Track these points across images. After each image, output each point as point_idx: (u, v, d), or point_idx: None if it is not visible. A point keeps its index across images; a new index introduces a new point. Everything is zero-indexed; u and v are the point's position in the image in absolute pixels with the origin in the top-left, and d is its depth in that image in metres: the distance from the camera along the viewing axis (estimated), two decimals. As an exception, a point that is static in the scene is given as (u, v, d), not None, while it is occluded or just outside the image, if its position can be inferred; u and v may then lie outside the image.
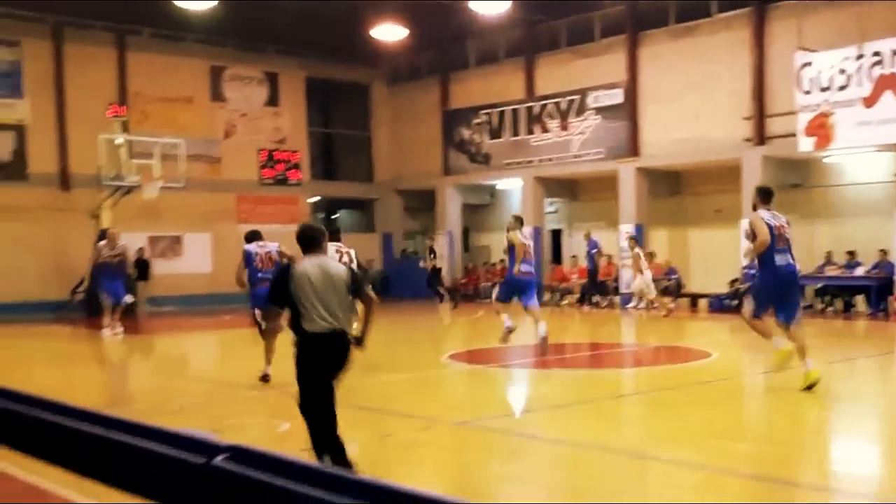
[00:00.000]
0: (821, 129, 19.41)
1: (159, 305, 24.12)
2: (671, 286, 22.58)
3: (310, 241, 6.16)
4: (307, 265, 6.01)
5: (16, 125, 24.15)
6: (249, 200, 27.60)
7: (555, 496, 5.93)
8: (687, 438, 7.63)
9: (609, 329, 18.75)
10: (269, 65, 28.79)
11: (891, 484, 6.28)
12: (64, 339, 18.83)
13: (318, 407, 6.01)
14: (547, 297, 25.88)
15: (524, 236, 13.71)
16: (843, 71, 18.99)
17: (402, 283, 28.68)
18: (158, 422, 2.27)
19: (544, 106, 26.11)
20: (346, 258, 12.10)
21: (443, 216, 28.95)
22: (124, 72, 25.90)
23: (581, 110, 25.13)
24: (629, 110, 24.09)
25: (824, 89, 19.27)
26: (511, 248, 13.62)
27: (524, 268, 13.45)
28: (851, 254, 20.23)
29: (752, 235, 9.73)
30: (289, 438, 6.87)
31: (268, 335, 10.54)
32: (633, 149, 24.03)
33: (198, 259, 26.12)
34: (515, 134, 26.89)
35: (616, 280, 24.00)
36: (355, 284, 6.07)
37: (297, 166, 29.24)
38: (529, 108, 26.50)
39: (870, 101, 18.64)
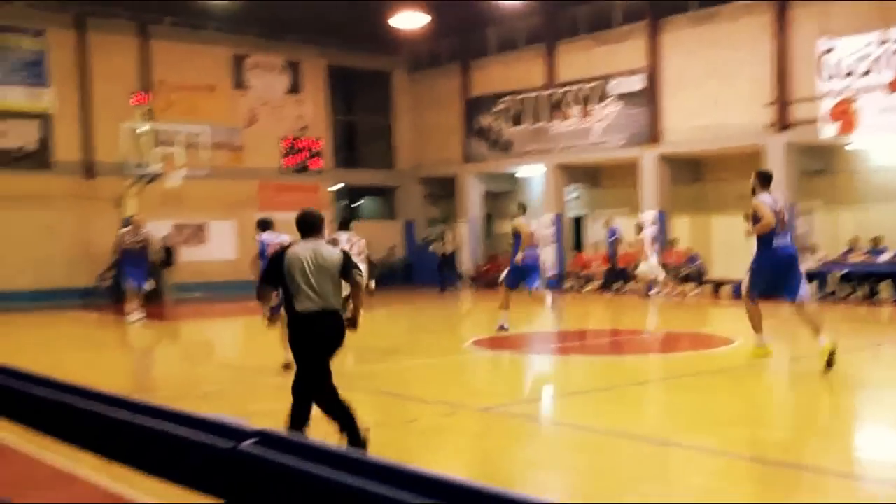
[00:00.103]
0: (844, 115, 19.27)
1: (184, 292, 24.32)
2: (693, 273, 22.52)
3: (308, 226, 6.45)
4: (301, 248, 6.30)
5: (41, 114, 24.36)
6: (272, 188, 27.71)
7: (579, 482, 5.96)
8: (709, 425, 7.65)
9: (631, 316, 18.74)
10: (290, 53, 28.86)
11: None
12: (90, 325, 19.06)
13: (309, 385, 6.26)
14: (569, 284, 25.90)
15: (529, 222, 13.81)
16: (865, 57, 18.83)
17: (424, 269, 28.75)
18: (185, 407, 2.32)
19: (565, 93, 26.04)
20: (355, 249, 12.30)
21: (464, 203, 28.97)
22: (148, 60, 26.06)
23: (602, 97, 25.05)
24: (650, 97, 23.98)
25: (847, 75, 19.12)
26: (517, 235, 13.70)
27: (529, 252, 13.61)
28: (876, 240, 20.08)
29: (754, 218, 9.95)
30: (313, 424, 6.90)
31: (273, 323, 10.52)
32: (654, 135, 23.94)
33: (222, 246, 26.30)
34: (536, 121, 26.84)
35: (637, 267, 23.91)
36: (345, 268, 6.32)
37: (318, 154, 29.34)
38: (550, 95, 26.43)
39: (893, 87, 18.49)
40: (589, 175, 27.34)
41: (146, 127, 22.83)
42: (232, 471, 1.97)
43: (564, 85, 26.08)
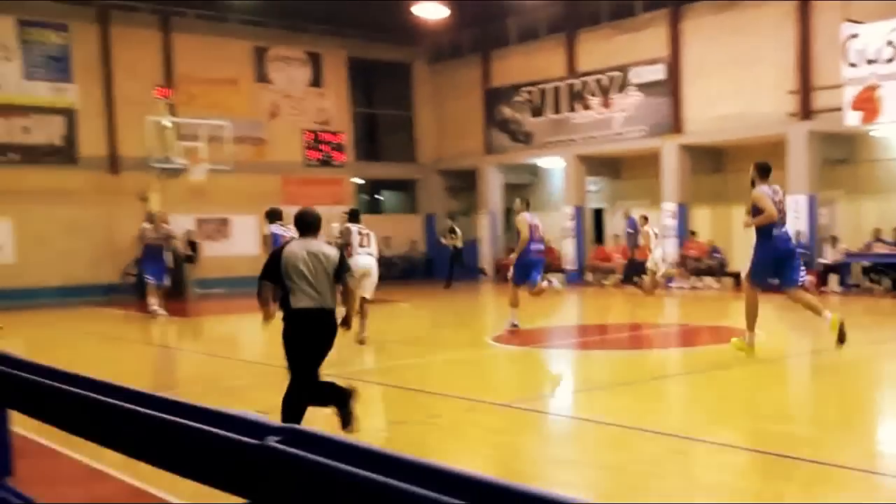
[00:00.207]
0: (868, 102, 19.08)
1: (207, 287, 24.47)
2: (715, 265, 22.43)
3: (306, 225, 6.67)
4: (298, 246, 6.48)
5: (66, 109, 24.56)
6: (295, 182, 27.78)
7: (601, 478, 5.99)
8: (731, 420, 7.65)
9: (651, 309, 18.69)
10: (311, 45, 28.91)
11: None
12: (114, 321, 19.21)
13: (304, 379, 6.42)
14: (589, 276, 25.86)
15: (532, 217, 13.79)
16: (890, 43, 18.62)
17: (444, 264, 28.74)
18: (209, 404, 2.35)
19: (585, 83, 25.95)
20: (366, 241, 12.48)
21: (484, 196, 28.95)
22: (170, 54, 26.20)
23: (623, 87, 24.94)
24: (671, 86, 23.86)
25: (871, 62, 18.92)
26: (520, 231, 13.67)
27: (534, 247, 13.60)
28: (900, 230, 19.94)
29: (753, 210, 10.09)
30: (336, 419, 6.97)
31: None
32: (675, 125, 23.81)
33: (245, 241, 26.38)
34: (557, 112, 26.78)
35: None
36: (339, 271, 6.50)
37: (340, 147, 29.41)
38: (571, 86, 26.36)
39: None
40: (609, 166, 27.25)
41: (169, 121, 22.99)
42: (256, 467, 1.97)
43: (585, 75, 25.99)
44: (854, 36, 19.19)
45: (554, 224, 27.15)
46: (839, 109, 19.57)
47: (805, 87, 21.14)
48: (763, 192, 10.05)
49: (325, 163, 29.02)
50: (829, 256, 20.80)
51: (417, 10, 24.70)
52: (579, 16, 26.43)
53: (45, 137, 24.25)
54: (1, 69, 23.64)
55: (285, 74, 28.51)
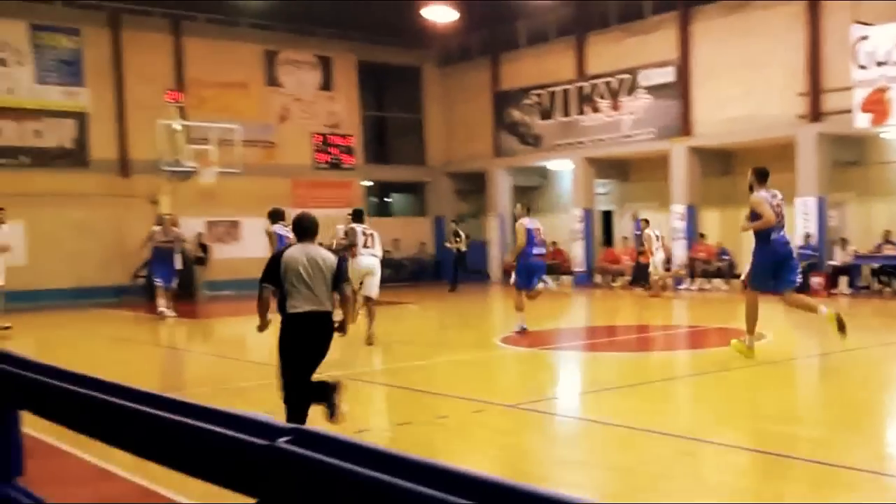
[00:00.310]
0: (878, 104, 19.04)
1: (217, 289, 24.55)
2: (723, 267, 22.41)
3: (303, 230, 6.79)
4: (298, 251, 6.59)
5: (77, 113, 24.70)
6: (304, 185, 27.86)
7: (608, 479, 6.00)
8: (739, 421, 7.66)
9: (660, 311, 18.68)
10: (321, 49, 28.99)
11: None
12: (124, 322, 19.31)
13: (297, 383, 6.50)
14: (598, 278, 25.86)
15: (532, 222, 13.80)
16: (900, 45, 18.60)
17: (451, 266, 28.76)
18: (218, 404, 2.38)
19: (595, 86, 25.95)
20: (370, 241, 12.59)
21: (493, 198, 28.98)
22: (181, 58, 26.32)
23: (632, 89, 24.94)
24: (681, 89, 23.85)
25: (881, 64, 18.88)
26: (528, 235, 13.67)
27: (535, 251, 13.63)
28: (910, 233, 19.89)
29: (752, 215, 10.26)
30: (348, 421, 7.00)
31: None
32: (684, 128, 23.80)
33: (255, 243, 26.39)
34: (566, 114, 26.79)
35: (668, 261, 23.82)
36: (337, 278, 6.62)
37: (350, 150, 29.48)
38: (580, 88, 26.37)
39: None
40: (618, 169, 27.25)
41: (180, 125, 23.10)
42: (266, 467, 1.97)
43: (594, 77, 26.00)
44: (864, 38, 19.15)
45: (563, 226, 27.19)
46: (849, 111, 19.53)
47: (815, 90, 21.10)
48: (761, 197, 10.16)
49: (335, 166, 29.09)
50: (838, 258, 20.76)
51: (427, 13, 24.74)
52: (589, 18, 26.44)
53: (57, 141, 24.39)
54: (13, 73, 23.79)
55: (295, 78, 28.60)
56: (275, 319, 6.84)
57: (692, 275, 23.14)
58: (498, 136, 29.05)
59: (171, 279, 18.35)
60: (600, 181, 27.23)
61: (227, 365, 12.47)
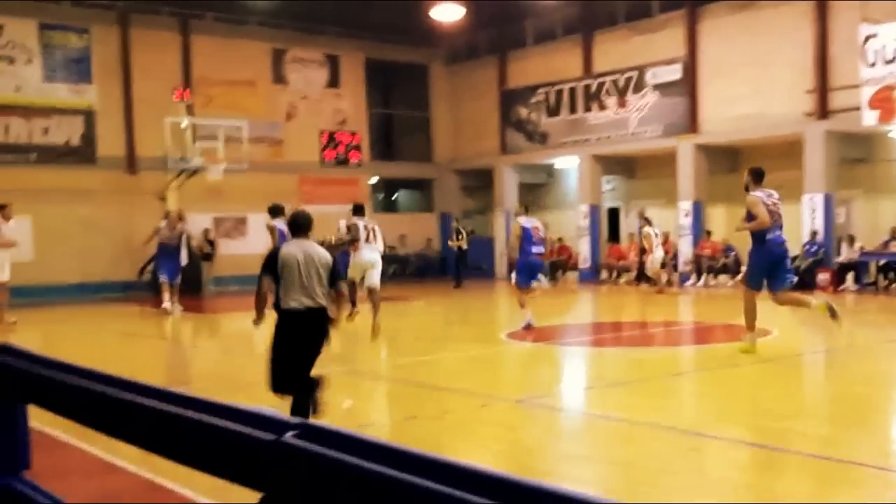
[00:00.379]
0: (885, 102, 19.03)
1: (224, 285, 24.62)
2: (729, 264, 22.41)
3: (298, 226, 6.89)
4: (294, 248, 6.68)
5: (85, 110, 24.78)
6: (311, 182, 27.93)
7: (613, 474, 6.02)
8: (743, 416, 7.66)
9: (666, 307, 18.69)
10: (329, 47, 29.03)
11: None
12: (130, 317, 19.37)
13: (287, 376, 6.58)
14: (604, 275, 25.87)
15: (528, 220, 13.83)
16: (908, 43, 18.57)
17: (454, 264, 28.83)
18: (225, 399, 2.40)
19: (602, 83, 25.94)
20: (372, 236, 12.69)
21: (500, 195, 28.99)
22: (188, 56, 26.38)
23: (639, 87, 24.93)
24: (688, 86, 23.82)
25: (889, 62, 18.86)
26: (525, 233, 13.70)
27: (534, 249, 13.65)
28: (917, 230, 19.86)
29: (748, 215, 10.26)
30: (352, 415, 7.09)
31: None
32: (691, 125, 23.78)
33: (261, 239, 26.44)
34: (573, 112, 26.79)
35: (675, 258, 23.85)
36: (333, 276, 6.73)
37: (357, 147, 29.52)
38: (587, 86, 26.36)
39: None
40: (625, 166, 27.24)
41: (187, 122, 23.17)
42: (273, 463, 1.96)
43: (601, 75, 25.99)
44: (872, 36, 19.12)
45: (569, 223, 27.22)
46: (857, 109, 19.52)
47: (822, 87, 21.06)
48: (757, 197, 10.18)
49: (342, 163, 29.14)
50: (845, 255, 20.74)
51: (435, 12, 24.75)
52: (596, 17, 26.42)
53: (65, 138, 24.47)
54: (22, 72, 23.87)
55: (303, 76, 28.64)
56: (270, 315, 6.90)
57: (698, 271, 23.17)
58: (505, 133, 29.05)
59: (176, 275, 18.35)
60: (607, 178, 27.23)
61: (233, 360, 12.51)
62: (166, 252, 18.38)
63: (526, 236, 13.60)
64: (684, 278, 23.16)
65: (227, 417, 2.19)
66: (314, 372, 6.79)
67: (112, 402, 2.64)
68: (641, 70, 24.82)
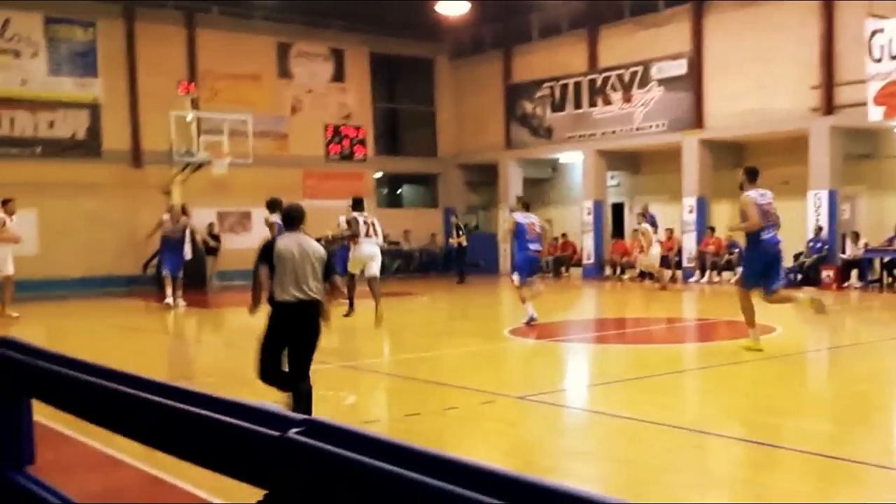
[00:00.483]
0: (891, 97, 18.95)
1: (228, 279, 24.64)
2: (733, 260, 22.38)
3: (291, 219, 7.01)
4: (289, 241, 6.78)
5: (91, 104, 24.81)
6: (316, 176, 27.94)
7: (615, 471, 6.02)
8: (746, 414, 7.66)
9: (670, 303, 18.68)
10: (334, 41, 29.01)
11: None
12: (134, 311, 19.41)
13: (276, 368, 6.74)
14: (608, 271, 25.85)
15: (525, 216, 13.80)
16: (915, 39, 18.50)
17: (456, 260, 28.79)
18: (229, 395, 2.40)
19: (607, 78, 25.91)
20: (371, 230, 12.74)
21: (504, 190, 28.96)
22: (194, 49, 26.39)
23: (644, 82, 24.89)
24: (693, 81, 23.78)
25: (895, 57, 18.80)
26: (520, 229, 13.67)
27: (532, 246, 13.64)
28: (923, 227, 19.80)
29: (743, 216, 10.31)
30: (356, 411, 7.09)
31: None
32: (696, 120, 23.74)
33: (265, 234, 26.47)
34: (578, 107, 26.76)
35: (679, 254, 23.83)
36: (327, 270, 6.84)
37: (362, 142, 29.52)
38: (592, 81, 26.32)
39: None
40: (629, 161, 27.20)
41: (192, 116, 23.18)
42: (277, 459, 1.94)
43: (606, 70, 25.95)
44: (878, 31, 19.05)
45: (573, 218, 27.20)
46: (863, 104, 19.45)
47: (828, 83, 21.01)
48: (750, 197, 10.17)
49: (347, 157, 29.14)
50: (849, 252, 20.70)
51: (440, 6, 24.72)
52: (601, 11, 26.37)
53: (70, 131, 24.50)
54: (27, 65, 23.90)
55: (308, 70, 28.63)
56: (267, 305, 6.96)
57: (702, 267, 23.16)
58: (509, 128, 29.03)
59: (179, 269, 18.36)
60: (611, 173, 27.20)
61: (237, 355, 12.51)
62: (169, 246, 18.39)
63: (521, 232, 13.57)
64: (688, 274, 23.13)
65: (231, 413, 2.18)
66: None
67: (115, 398, 2.64)
68: (647, 65, 24.78)
